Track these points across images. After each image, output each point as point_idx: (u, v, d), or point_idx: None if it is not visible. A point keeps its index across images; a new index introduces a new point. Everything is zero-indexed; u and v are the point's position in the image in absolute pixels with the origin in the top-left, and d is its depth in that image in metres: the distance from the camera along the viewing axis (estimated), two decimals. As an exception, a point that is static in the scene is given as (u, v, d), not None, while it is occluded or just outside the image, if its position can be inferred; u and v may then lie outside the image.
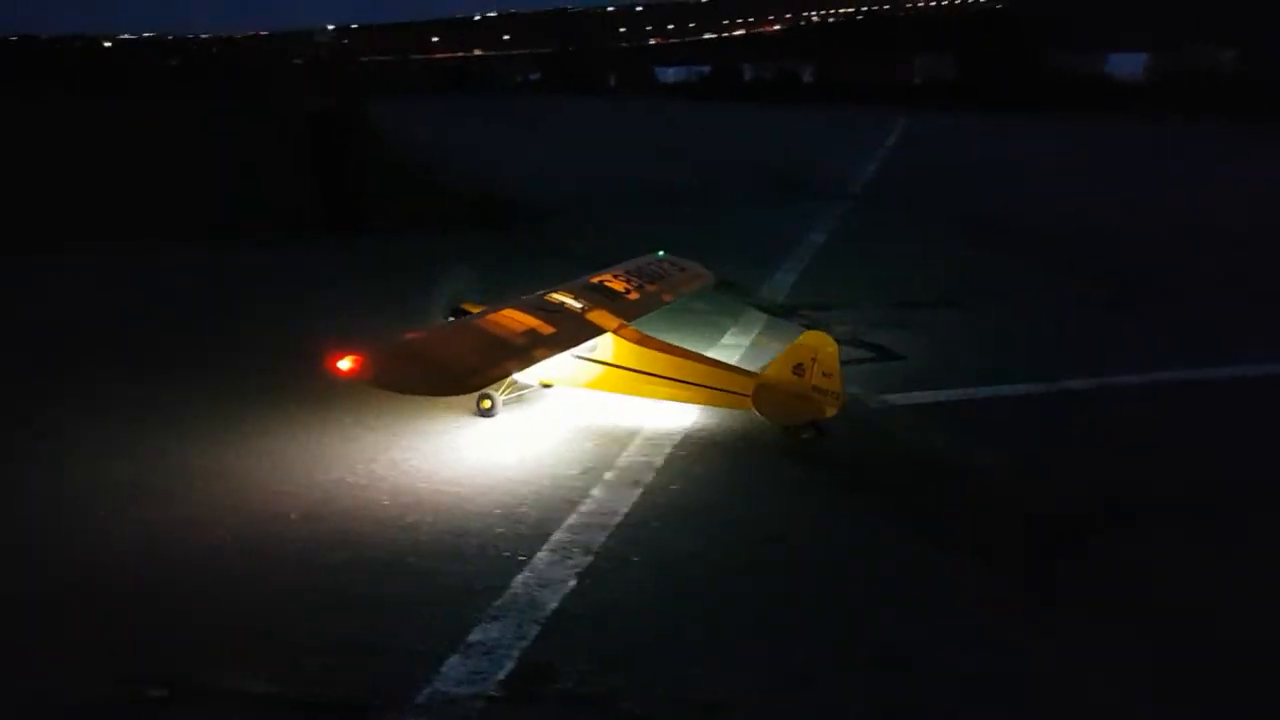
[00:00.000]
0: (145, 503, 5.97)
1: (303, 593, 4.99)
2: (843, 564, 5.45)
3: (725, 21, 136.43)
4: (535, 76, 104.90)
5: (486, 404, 7.49)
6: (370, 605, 4.88)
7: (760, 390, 7.00)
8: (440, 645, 4.49)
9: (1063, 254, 15.23)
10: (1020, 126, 43.16)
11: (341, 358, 5.87)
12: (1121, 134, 39.65)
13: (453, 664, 4.37)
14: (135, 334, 10.10)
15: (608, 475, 6.46)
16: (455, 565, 5.25)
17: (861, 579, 5.31)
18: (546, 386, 7.87)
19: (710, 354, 8.07)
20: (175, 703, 4.12)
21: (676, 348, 7.57)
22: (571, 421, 7.47)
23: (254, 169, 17.63)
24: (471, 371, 6.32)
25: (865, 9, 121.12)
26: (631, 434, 7.21)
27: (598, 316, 7.49)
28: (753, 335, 10.09)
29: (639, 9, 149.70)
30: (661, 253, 9.48)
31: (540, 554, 5.37)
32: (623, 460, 6.72)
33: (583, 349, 7.39)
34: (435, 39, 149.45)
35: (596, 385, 7.59)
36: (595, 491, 6.20)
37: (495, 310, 7.05)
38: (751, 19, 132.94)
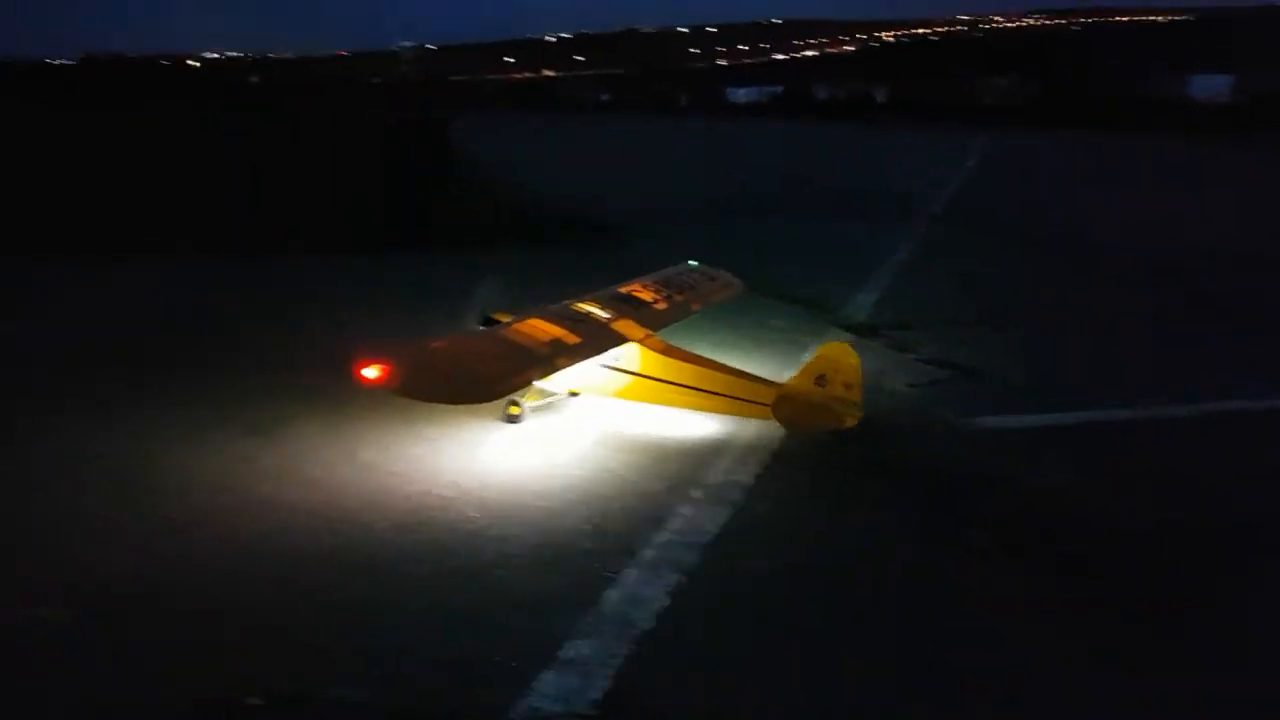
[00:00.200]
0: (229, 512, 6.02)
1: (394, 604, 4.98)
2: (936, 594, 5.30)
3: (796, 42, 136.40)
4: (606, 97, 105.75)
5: (515, 409, 7.47)
6: (462, 618, 4.85)
7: (781, 400, 6.99)
8: (533, 660, 4.44)
9: (1161, 276, 14.78)
10: (1104, 147, 42.01)
11: (368, 365, 5.88)
12: (1212, 156, 38.36)
13: (546, 679, 4.31)
14: (239, 334, 10.22)
15: (695, 493, 6.36)
16: (545, 580, 5.21)
17: (952, 611, 5.14)
18: (574, 395, 7.84)
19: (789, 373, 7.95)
20: (270, 712, 4.12)
21: (700, 357, 7.52)
22: (652, 437, 7.39)
23: (333, 181, 17.52)
24: (494, 380, 6.31)
25: (939, 30, 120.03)
26: (715, 451, 7.12)
27: (624, 326, 7.45)
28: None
29: (711, 29, 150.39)
30: (693, 262, 9.39)
31: (630, 571, 5.30)
32: (711, 478, 6.62)
33: (608, 358, 7.37)
34: (510, 59, 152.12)
35: (623, 394, 7.56)
36: (684, 509, 6.11)
37: (522, 320, 7.04)
38: (824, 39, 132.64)
